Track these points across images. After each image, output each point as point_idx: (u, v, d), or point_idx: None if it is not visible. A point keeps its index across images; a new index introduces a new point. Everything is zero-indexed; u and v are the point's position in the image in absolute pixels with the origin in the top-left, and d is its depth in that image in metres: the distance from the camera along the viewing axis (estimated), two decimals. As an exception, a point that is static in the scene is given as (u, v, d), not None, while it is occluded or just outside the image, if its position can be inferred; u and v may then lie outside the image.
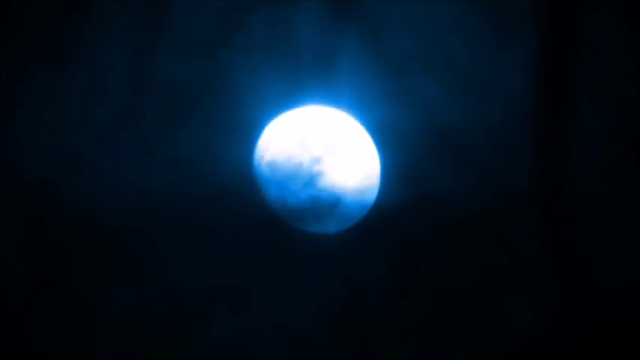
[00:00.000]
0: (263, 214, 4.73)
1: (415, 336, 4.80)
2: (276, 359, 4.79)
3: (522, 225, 4.80)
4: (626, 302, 4.75)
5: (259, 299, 4.79)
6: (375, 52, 4.77)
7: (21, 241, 4.77)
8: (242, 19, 4.80)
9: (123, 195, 4.78)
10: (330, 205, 4.66)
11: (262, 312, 4.79)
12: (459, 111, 4.79)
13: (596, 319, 4.76)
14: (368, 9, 4.78)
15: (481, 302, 4.80)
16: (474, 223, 4.79)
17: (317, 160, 4.64)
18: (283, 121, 4.72)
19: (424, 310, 4.80)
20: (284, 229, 4.74)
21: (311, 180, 4.64)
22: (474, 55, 4.78)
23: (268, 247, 4.77)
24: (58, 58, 4.82)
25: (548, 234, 4.80)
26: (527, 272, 4.79)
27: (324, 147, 4.65)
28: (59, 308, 4.75)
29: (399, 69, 4.78)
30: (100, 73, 4.83)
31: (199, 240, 4.77)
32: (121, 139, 4.81)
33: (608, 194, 4.78)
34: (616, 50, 4.77)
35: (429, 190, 4.79)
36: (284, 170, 4.65)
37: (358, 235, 4.79)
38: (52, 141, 4.82)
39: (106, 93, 4.83)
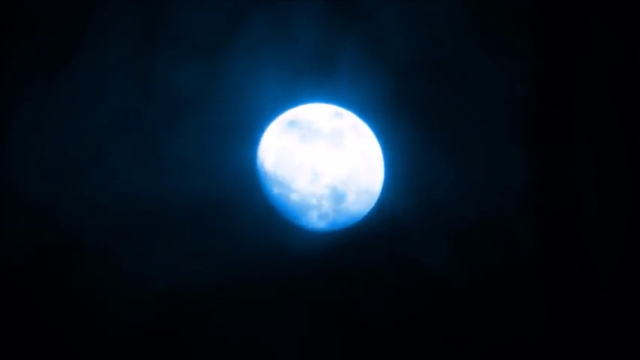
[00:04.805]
0: (265, 212, 4.73)
1: (415, 336, 4.80)
2: (276, 359, 4.78)
3: (522, 226, 4.82)
4: (625, 302, 4.78)
5: (259, 298, 4.78)
6: (375, 52, 4.80)
7: (21, 241, 4.74)
8: (242, 19, 4.81)
9: (123, 196, 4.76)
10: (332, 203, 4.66)
11: (262, 311, 4.78)
12: (459, 111, 4.82)
13: (594, 319, 4.78)
14: (368, 9, 4.81)
15: (481, 303, 4.81)
16: (475, 223, 4.81)
17: (319, 158, 4.65)
18: (285, 120, 4.73)
19: (424, 311, 4.80)
20: (286, 228, 4.74)
21: (313, 178, 4.64)
22: (474, 55, 4.82)
23: (270, 245, 4.76)
24: (58, 60, 4.81)
25: (548, 235, 4.82)
26: (526, 273, 4.81)
27: (326, 145, 4.66)
28: (60, 308, 4.72)
29: (399, 68, 4.81)
30: (100, 74, 4.82)
31: (201, 240, 4.76)
32: (121, 141, 4.80)
33: (607, 195, 4.82)
34: (616, 50, 4.82)
35: (429, 189, 4.81)
36: (286, 169, 4.66)
37: (359, 235, 4.80)
38: (51, 142, 4.80)
39: (105, 94, 4.82)
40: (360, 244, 4.80)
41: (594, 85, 4.82)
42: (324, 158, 4.64)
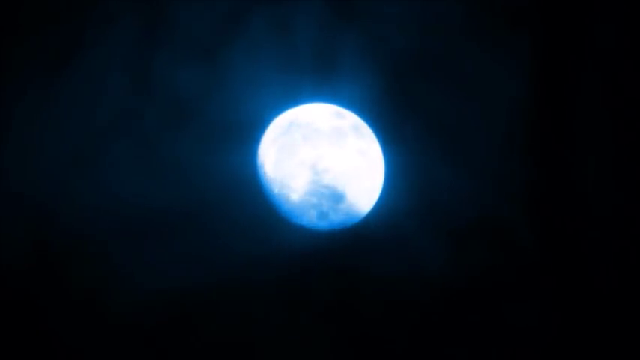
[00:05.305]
0: (265, 212, 4.73)
1: (415, 336, 4.80)
2: (276, 359, 4.78)
3: (522, 226, 4.82)
4: (625, 301, 4.78)
5: (259, 298, 4.78)
6: (375, 52, 4.80)
7: (20, 242, 4.73)
8: (242, 19, 4.81)
9: (123, 196, 4.76)
10: (333, 202, 4.66)
11: (262, 311, 4.78)
12: (459, 111, 4.82)
13: (594, 318, 4.78)
14: (368, 9, 4.81)
15: (480, 303, 4.81)
16: (475, 223, 4.81)
17: (319, 158, 4.65)
18: (285, 120, 4.73)
19: (424, 310, 4.80)
20: (286, 228, 4.74)
21: (313, 178, 4.64)
22: (474, 55, 4.82)
23: (269, 245, 4.76)
24: (58, 60, 4.81)
25: (548, 235, 4.82)
26: (526, 273, 4.81)
27: (326, 146, 4.66)
28: (60, 309, 4.72)
29: (399, 68, 4.81)
30: (100, 74, 4.82)
31: (201, 240, 4.76)
32: (121, 141, 4.80)
33: (607, 195, 4.82)
34: (616, 51, 4.82)
35: (429, 189, 4.81)
36: (286, 169, 4.66)
37: (359, 235, 4.80)
38: (50, 143, 4.80)
39: (105, 95, 4.82)
40: (359, 244, 4.80)
41: (594, 85, 4.82)
42: (324, 158, 4.64)
